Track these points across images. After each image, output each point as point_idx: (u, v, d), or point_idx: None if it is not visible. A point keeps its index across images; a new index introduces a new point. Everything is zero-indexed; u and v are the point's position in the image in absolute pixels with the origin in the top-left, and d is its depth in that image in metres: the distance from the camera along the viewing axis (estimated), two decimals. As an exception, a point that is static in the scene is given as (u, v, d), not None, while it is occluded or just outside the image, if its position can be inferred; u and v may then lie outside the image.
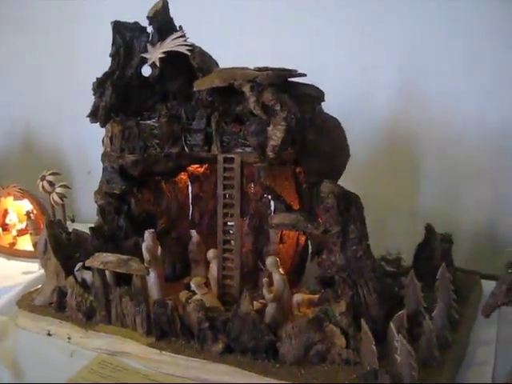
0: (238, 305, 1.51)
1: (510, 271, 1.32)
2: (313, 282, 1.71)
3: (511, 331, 1.58)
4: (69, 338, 1.70)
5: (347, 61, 2.25)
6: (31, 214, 2.41)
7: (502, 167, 2.11)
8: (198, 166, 1.93)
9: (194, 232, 1.91)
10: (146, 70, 1.80)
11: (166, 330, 1.58)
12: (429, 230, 1.77)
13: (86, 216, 2.78)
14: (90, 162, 2.80)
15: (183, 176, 1.97)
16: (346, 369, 1.39)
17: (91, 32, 2.73)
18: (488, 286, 1.72)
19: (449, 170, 2.19)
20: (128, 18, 1.80)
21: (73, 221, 2.80)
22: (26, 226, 2.48)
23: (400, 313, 1.40)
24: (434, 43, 2.12)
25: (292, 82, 1.60)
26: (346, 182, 1.59)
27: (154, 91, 1.79)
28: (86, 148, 2.93)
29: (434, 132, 2.17)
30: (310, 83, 1.62)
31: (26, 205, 2.52)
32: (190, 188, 2.01)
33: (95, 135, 1.90)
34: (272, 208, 1.81)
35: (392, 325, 1.35)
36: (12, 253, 2.48)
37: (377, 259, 1.59)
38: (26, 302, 1.87)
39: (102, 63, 1.80)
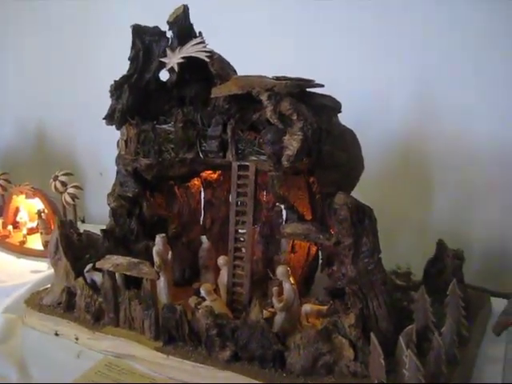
0: (247, 313, 1.51)
1: (522, 290, 1.32)
2: (321, 293, 1.71)
3: (519, 350, 1.57)
4: (76, 339, 1.70)
5: (361, 73, 2.25)
6: (42, 213, 2.43)
7: (516, 184, 2.10)
8: (211, 172, 1.94)
9: (204, 238, 1.91)
10: (164, 75, 1.81)
11: (174, 334, 1.58)
12: (440, 245, 1.76)
13: (96, 217, 2.80)
14: (102, 164, 2.82)
15: (196, 181, 1.98)
16: (353, 381, 1.39)
17: (110, 33, 2.75)
18: (498, 303, 1.72)
19: (462, 185, 2.18)
20: (148, 22, 1.81)
21: (83, 221, 2.82)
22: (37, 224, 2.50)
23: (409, 327, 1.40)
24: (448, 55, 2.12)
25: (309, 92, 1.60)
26: (357, 193, 1.59)
27: (171, 96, 1.80)
28: (98, 149, 2.95)
29: (448, 145, 2.16)
30: (327, 94, 1.62)
31: (37, 204, 2.53)
32: (202, 194, 2.02)
33: (109, 137, 1.91)
34: (284, 217, 1.81)
35: (401, 339, 1.34)
36: (22, 251, 2.49)
37: (387, 272, 1.59)
38: (35, 301, 1.88)
39: (120, 65, 1.81)
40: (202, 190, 2.00)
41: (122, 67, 1.82)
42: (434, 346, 1.36)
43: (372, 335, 1.35)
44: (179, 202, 1.95)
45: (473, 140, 2.12)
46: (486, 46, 2.05)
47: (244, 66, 1.70)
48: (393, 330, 1.46)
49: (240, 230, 1.67)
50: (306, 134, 1.46)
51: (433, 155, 2.20)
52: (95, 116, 1.89)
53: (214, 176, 1.95)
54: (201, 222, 2.03)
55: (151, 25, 1.80)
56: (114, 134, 1.86)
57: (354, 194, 1.58)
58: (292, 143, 1.47)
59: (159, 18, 1.77)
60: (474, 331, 1.61)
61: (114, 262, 1.68)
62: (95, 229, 1.93)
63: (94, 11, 2.91)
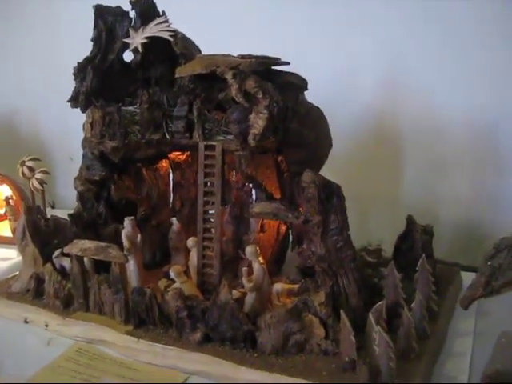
0: (216, 294, 1.50)
1: (488, 263, 1.32)
2: (293, 272, 1.70)
3: (488, 323, 1.58)
4: (46, 326, 1.68)
5: (331, 50, 2.23)
6: (10, 200, 2.39)
7: (484, 160, 2.11)
8: (179, 153, 1.92)
9: (174, 220, 1.90)
10: (128, 56, 1.78)
11: (144, 318, 1.57)
12: (410, 221, 1.76)
13: (66, 202, 2.76)
14: (71, 148, 2.77)
15: (164, 163, 1.96)
16: (324, 359, 1.39)
17: (73, 16, 2.70)
18: (468, 277, 1.72)
19: (432, 162, 2.19)
20: (111, 2, 1.78)
21: (53, 207, 2.79)
22: (5, 211, 2.45)
23: (379, 304, 1.40)
24: (421, 32, 2.11)
25: (275, 70, 1.59)
26: (327, 171, 1.58)
27: (136, 77, 1.78)
28: (67, 134, 2.88)
29: (418, 123, 2.16)
30: (293, 72, 1.61)
31: (5, 190, 2.49)
32: (171, 175, 2.00)
33: (77, 121, 1.87)
34: (253, 197, 1.80)
35: (371, 316, 1.35)
36: (-10, 238, 2.45)
37: (357, 249, 1.59)
38: (3, 288, 1.86)
39: (84, 47, 1.78)
40: (171, 171, 1.99)
41: (87, 49, 1.79)
42: (403, 322, 1.38)
43: (342, 312, 1.35)
44: (148, 185, 1.94)
45: (443, 118, 2.12)
46: (451, 20, 2.05)
47: (209, 44, 1.68)
48: (363, 306, 1.46)
49: (209, 211, 1.66)
50: (272, 113, 1.45)
51: (402, 132, 2.20)
52: (62, 99, 1.85)
53: (183, 157, 1.94)
54: (170, 204, 2.01)
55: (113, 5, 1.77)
56: (82, 118, 1.83)
57: (324, 172, 1.57)
58: (258, 122, 1.46)
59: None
60: (444, 306, 1.62)
61: (81, 246, 1.66)
62: (66, 214, 1.90)
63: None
